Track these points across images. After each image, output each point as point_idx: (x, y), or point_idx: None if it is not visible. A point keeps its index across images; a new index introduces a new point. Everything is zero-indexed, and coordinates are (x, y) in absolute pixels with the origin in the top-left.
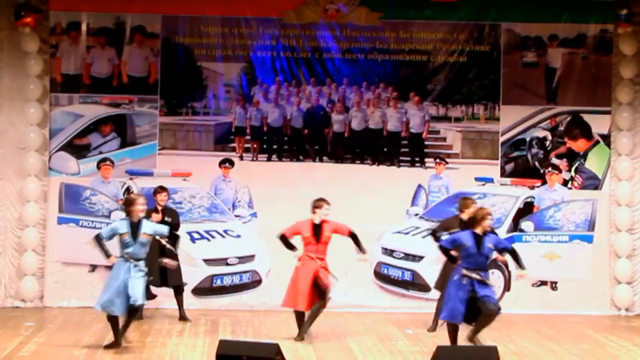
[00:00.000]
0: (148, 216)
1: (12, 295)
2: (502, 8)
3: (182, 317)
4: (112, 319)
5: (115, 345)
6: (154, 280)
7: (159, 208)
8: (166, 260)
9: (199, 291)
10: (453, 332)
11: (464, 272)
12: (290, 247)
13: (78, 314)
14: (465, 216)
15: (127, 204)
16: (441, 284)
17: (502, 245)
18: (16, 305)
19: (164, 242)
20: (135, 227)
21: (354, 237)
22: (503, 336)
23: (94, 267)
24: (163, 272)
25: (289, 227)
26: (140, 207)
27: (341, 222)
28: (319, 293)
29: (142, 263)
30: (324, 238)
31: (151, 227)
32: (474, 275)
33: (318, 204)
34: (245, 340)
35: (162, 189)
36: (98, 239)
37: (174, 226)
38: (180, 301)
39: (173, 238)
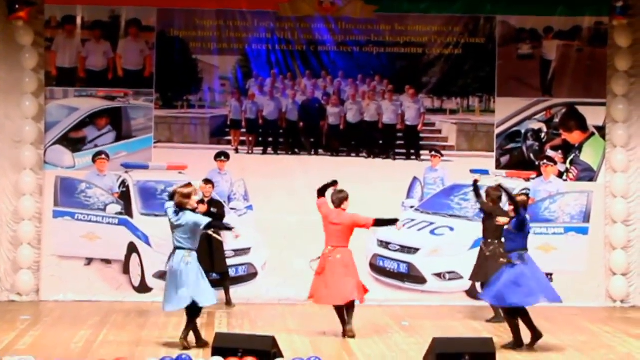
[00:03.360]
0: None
1: (7, 289)
2: (497, 0)
3: (228, 303)
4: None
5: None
6: (203, 267)
7: (205, 200)
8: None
9: None
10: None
11: None
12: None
13: (74, 307)
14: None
15: (185, 197)
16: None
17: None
18: (12, 299)
19: (210, 232)
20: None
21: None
22: (499, 328)
23: (89, 261)
24: (210, 260)
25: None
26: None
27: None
28: None
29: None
30: None
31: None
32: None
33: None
34: (242, 333)
35: (207, 181)
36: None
37: (220, 217)
38: (227, 287)
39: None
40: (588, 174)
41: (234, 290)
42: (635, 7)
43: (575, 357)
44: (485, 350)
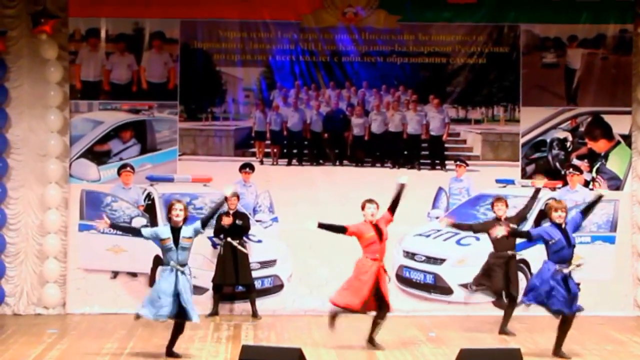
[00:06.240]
0: (220, 220)
1: (34, 302)
2: (520, 9)
3: (254, 315)
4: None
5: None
6: (228, 280)
7: (230, 212)
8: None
9: (221, 296)
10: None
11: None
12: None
13: (100, 320)
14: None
15: (167, 210)
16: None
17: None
18: (38, 313)
19: (235, 243)
20: (176, 233)
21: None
22: (526, 338)
23: (115, 274)
24: (234, 273)
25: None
26: (175, 212)
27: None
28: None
29: (186, 268)
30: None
31: (190, 230)
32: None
33: (362, 204)
34: (268, 345)
35: (232, 194)
36: (133, 230)
37: (245, 229)
38: (252, 299)
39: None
40: (614, 183)
41: (260, 303)
42: None
43: None
44: None
